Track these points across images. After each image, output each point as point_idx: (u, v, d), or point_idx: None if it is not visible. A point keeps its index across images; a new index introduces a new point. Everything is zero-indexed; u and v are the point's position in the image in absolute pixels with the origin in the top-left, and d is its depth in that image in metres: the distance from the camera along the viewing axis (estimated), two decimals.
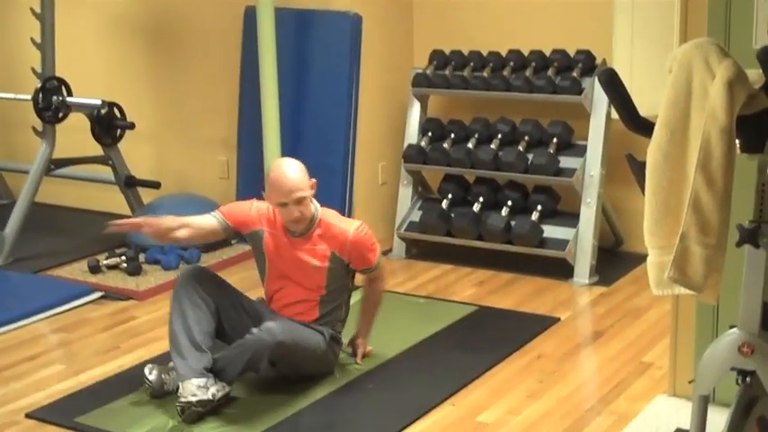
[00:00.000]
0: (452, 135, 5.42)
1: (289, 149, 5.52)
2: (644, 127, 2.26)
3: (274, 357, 3.62)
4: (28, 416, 3.69)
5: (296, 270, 3.83)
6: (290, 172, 3.72)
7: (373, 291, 4.00)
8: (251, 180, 5.76)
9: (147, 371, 3.70)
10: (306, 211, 3.73)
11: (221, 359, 3.62)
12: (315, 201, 3.82)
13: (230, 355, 3.62)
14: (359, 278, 3.96)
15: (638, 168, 2.27)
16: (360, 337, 4.04)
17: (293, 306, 3.84)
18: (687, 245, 2.10)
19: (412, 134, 5.57)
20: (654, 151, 2.17)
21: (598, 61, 5.16)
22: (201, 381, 3.54)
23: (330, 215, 3.86)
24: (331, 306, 3.86)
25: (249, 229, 3.92)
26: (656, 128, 2.17)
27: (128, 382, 3.91)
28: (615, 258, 5.27)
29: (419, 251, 5.45)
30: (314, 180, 3.79)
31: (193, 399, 3.47)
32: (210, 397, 3.49)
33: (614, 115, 4.54)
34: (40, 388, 3.95)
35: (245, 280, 5.17)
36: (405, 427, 3.46)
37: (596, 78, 4.84)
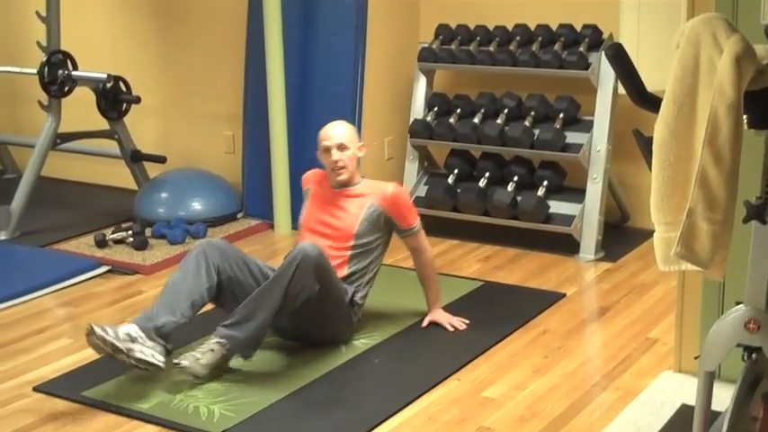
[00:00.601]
0: (458, 110, 5.41)
1: (294, 124, 5.52)
2: (651, 102, 2.26)
3: (313, 285, 3.60)
4: (35, 389, 3.70)
5: (331, 218, 3.97)
6: (338, 124, 4.06)
7: (423, 263, 4.08)
8: (256, 154, 5.76)
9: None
10: (349, 161, 3.96)
11: (250, 301, 3.60)
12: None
13: (264, 288, 3.60)
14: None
15: (645, 144, 2.26)
16: (434, 309, 4.11)
17: None
18: (694, 221, 2.10)
19: (418, 109, 5.56)
20: (661, 127, 2.17)
21: (605, 36, 5.14)
22: (140, 334, 3.54)
23: (372, 180, 4.11)
24: (360, 265, 3.93)
25: (304, 190, 4.18)
26: (663, 103, 2.16)
27: None
28: (621, 234, 5.27)
29: (425, 226, 5.40)
30: (363, 143, 4.08)
31: (98, 331, 3.44)
32: (112, 342, 3.44)
33: (621, 90, 4.55)
34: (47, 362, 3.96)
35: (252, 254, 5.19)
36: (410, 402, 3.47)
37: (603, 53, 4.84)
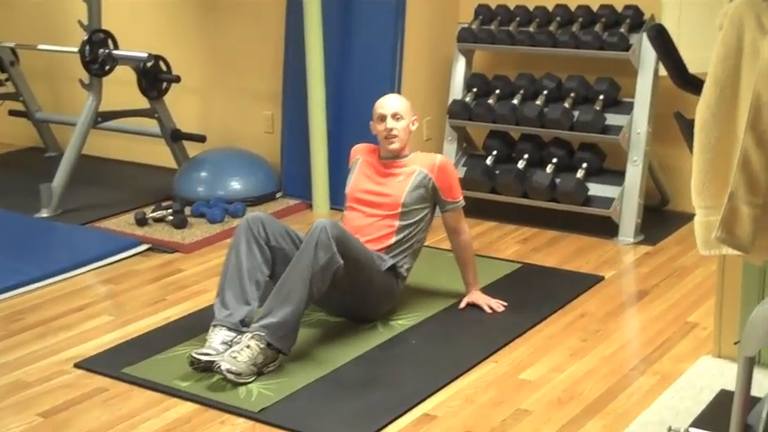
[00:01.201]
0: (497, 91, 5.39)
1: (334, 103, 5.53)
2: (693, 84, 2.24)
3: (336, 259, 3.57)
4: (76, 366, 3.75)
5: (379, 186, 4.01)
6: (395, 95, 4.23)
7: (461, 244, 4.09)
8: (296, 134, 5.77)
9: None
10: (402, 132, 4.02)
11: (278, 289, 3.56)
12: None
13: (288, 274, 3.58)
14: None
15: (687, 126, 2.24)
16: (472, 290, 4.12)
17: (369, 228, 3.95)
18: (735, 205, 2.08)
19: (457, 90, 5.55)
20: (702, 109, 2.15)
21: (646, 17, 5.09)
22: (229, 335, 3.58)
23: (420, 153, 4.15)
24: (405, 235, 3.96)
25: (352, 162, 4.20)
26: (706, 85, 2.14)
27: (174, 333, 3.96)
28: (661, 217, 5.23)
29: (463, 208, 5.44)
30: (416, 117, 4.14)
31: (202, 358, 3.48)
32: (218, 359, 3.44)
33: (662, 72, 4.49)
34: (88, 338, 4.01)
35: None
36: (447, 383, 3.47)
37: (645, 34, 4.79)
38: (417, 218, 4.00)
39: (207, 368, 3.50)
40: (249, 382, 3.44)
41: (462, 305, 4.10)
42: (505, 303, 4.10)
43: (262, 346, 3.47)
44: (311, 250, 3.55)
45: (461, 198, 4.07)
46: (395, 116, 4.01)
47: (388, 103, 4.06)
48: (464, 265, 4.12)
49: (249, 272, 3.69)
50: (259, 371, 3.48)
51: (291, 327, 3.54)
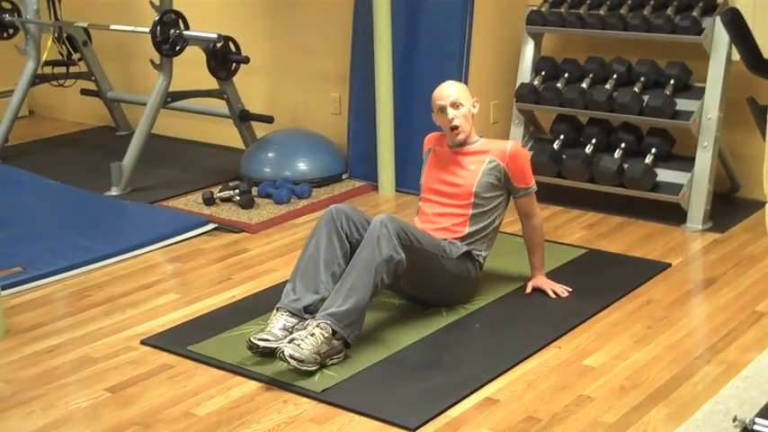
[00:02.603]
0: (566, 75, 5.34)
1: (401, 85, 5.52)
2: (767, 69, 2.20)
3: (398, 251, 3.55)
4: (143, 342, 3.81)
5: (451, 175, 3.99)
6: (449, 83, 4.05)
7: (532, 228, 4.07)
8: (362, 116, 5.78)
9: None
10: (464, 121, 3.96)
11: (342, 284, 3.54)
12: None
13: (354, 263, 3.56)
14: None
15: (759, 112, 2.21)
16: (538, 275, 4.11)
17: (443, 218, 3.95)
18: None
19: (525, 73, 5.50)
20: None
21: (719, 0, 5.00)
22: (291, 321, 3.58)
23: (490, 139, 4.12)
24: (480, 225, 3.94)
25: (425, 152, 4.17)
26: None
27: (240, 312, 4.00)
28: (730, 204, 5.15)
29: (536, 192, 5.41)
30: (477, 98, 4.07)
31: (260, 343, 3.49)
32: (278, 345, 3.43)
33: (735, 57, 4.44)
34: (155, 316, 4.07)
35: None
36: (510, 368, 3.46)
37: (718, 18, 4.71)
38: (491, 206, 3.97)
39: (265, 353, 3.52)
40: (312, 371, 3.42)
41: (528, 290, 4.08)
42: (570, 289, 4.07)
43: (326, 334, 3.44)
44: (373, 242, 3.54)
45: (533, 183, 4.04)
46: (454, 104, 3.94)
47: (445, 92, 3.97)
48: (532, 248, 4.10)
49: (326, 263, 3.67)
50: (323, 361, 3.45)
51: (356, 316, 3.50)
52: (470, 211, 3.94)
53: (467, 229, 3.93)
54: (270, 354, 3.49)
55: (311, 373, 3.42)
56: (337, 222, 3.73)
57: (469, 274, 3.94)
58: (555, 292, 4.04)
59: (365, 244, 3.57)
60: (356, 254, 3.59)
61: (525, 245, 4.13)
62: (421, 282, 3.81)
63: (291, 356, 3.37)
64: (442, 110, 3.95)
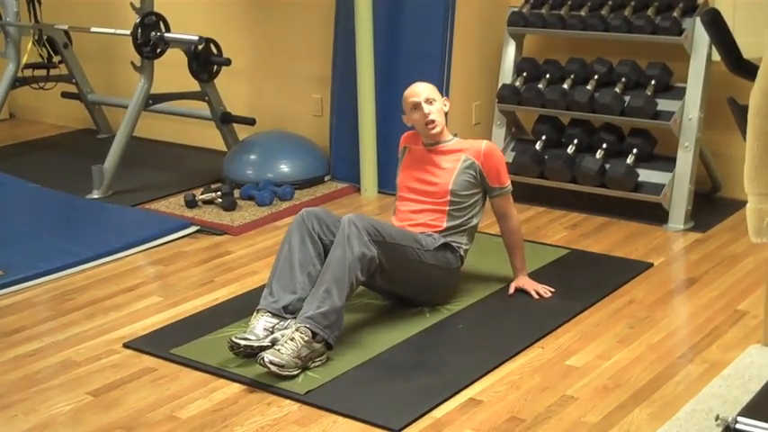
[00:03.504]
0: (548, 75, 5.35)
1: (383, 86, 5.52)
2: (747, 70, 2.21)
3: (370, 247, 3.58)
4: (126, 345, 3.80)
5: (427, 174, 4.02)
6: (419, 82, 4.10)
7: (510, 229, 4.09)
8: (345, 117, 5.78)
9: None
10: (438, 116, 4.00)
11: (318, 287, 3.55)
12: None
13: (328, 265, 3.57)
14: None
15: (740, 112, 2.22)
16: (520, 276, 4.11)
17: (420, 214, 3.97)
18: None
19: (507, 74, 5.52)
20: (757, 95, 2.12)
21: (700, 1, 5.02)
22: (271, 321, 3.58)
23: (464, 139, 4.17)
24: (457, 221, 3.96)
25: (401, 150, 4.22)
26: (760, 71, 2.11)
27: (223, 315, 3.99)
28: (712, 204, 5.18)
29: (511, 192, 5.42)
30: (447, 98, 4.19)
31: (242, 342, 3.49)
32: (259, 345, 3.45)
33: (715, 57, 4.45)
34: (138, 319, 4.05)
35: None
36: (493, 368, 3.47)
37: (698, 19, 4.73)
38: (467, 203, 3.99)
39: (247, 355, 3.51)
40: (293, 376, 3.41)
41: (511, 291, 4.09)
42: (553, 289, 4.08)
43: (306, 338, 3.43)
44: (344, 242, 3.56)
45: (509, 183, 4.05)
46: (428, 101, 3.98)
47: (418, 90, 4.03)
48: (512, 249, 4.11)
49: (301, 264, 3.68)
50: (304, 365, 3.45)
51: (335, 317, 3.50)
52: (447, 208, 3.97)
53: (445, 224, 3.95)
54: (252, 355, 3.48)
55: (294, 377, 3.41)
56: (308, 224, 3.75)
57: (449, 264, 3.94)
58: (538, 293, 4.05)
59: (337, 244, 3.59)
60: (329, 255, 3.61)
61: (505, 247, 4.13)
62: (401, 277, 3.80)
63: (271, 362, 3.37)
64: (416, 106, 3.99)
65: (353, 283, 3.56)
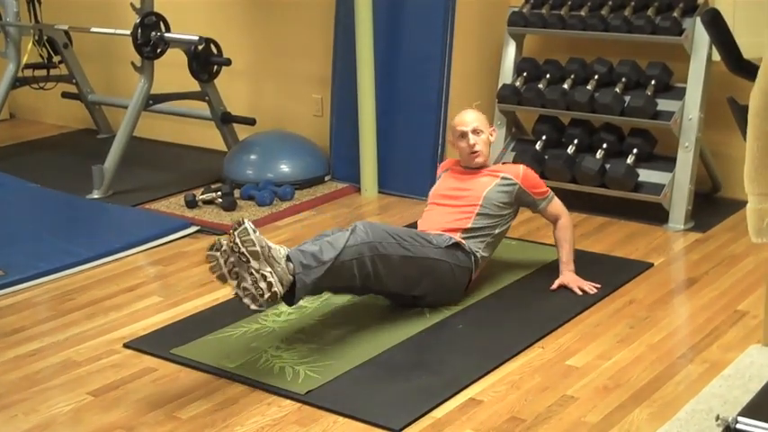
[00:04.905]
0: (548, 75, 5.35)
1: (383, 86, 5.53)
2: (747, 70, 2.21)
3: (364, 249, 3.59)
4: (126, 346, 3.79)
5: (462, 183, 4.15)
6: (470, 110, 4.24)
7: (563, 225, 4.19)
8: (345, 117, 5.78)
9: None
10: (483, 146, 4.16)
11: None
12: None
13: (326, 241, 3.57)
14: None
15: (740, 112, 2.22)
16: (565, 272, 4.12)
17: (446, 216, 4.04)
18: None
19: (507, 74, 5.52)
20: (757, 95, 2.12)
21: (700, 1, 5.02)
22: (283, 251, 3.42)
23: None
24: (483, 224, 4.02)
25: (438, 174, 4.38)
26: (760, 71, 2.11)
27: (222, 315, 3.99)
28: (712, 204, 5.18)
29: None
30: (494, 128, 4.32)
31: (256, 238, 3.30)
32: (258, 250, 3.27)
33: (716, 57, 4.45)
34: (138, 319, 4.05)
35: (338, 217, 5.24)
36: (494, 369, 3.47)
37: (698, 19, 4.73)
38: (497, 213, 4.06)
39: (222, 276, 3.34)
40: (246, 263, 3.27)
41: (554, 287, 4.09)
42: (598, 285, 4.08)
43: (283, 252, 3.36)
44: (346, 233, 3.60)
45: (550, 190, 4.22)
46: (475, 131, 4.13)
47: (467, 119, 4.16)
48: (559, 242, 4.17)
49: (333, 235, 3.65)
50: (264, 263, 3.27)
51: (316, 264, 3.43)
52: (477, 210, 4.03)
53: (469, 224, 3.99)
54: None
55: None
56: (356, 233, 3.66)
57: (459, 261, 3.93)
58: (582, 289, 4.05)
59: (340, 235, 3.61)
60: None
61: (555, 240, 4.20)
62: (416, 279, 3.80)
63: (249, 225, 3.28)
64: (464, 135, 4.14)
65: (338, 264, 3.49)
